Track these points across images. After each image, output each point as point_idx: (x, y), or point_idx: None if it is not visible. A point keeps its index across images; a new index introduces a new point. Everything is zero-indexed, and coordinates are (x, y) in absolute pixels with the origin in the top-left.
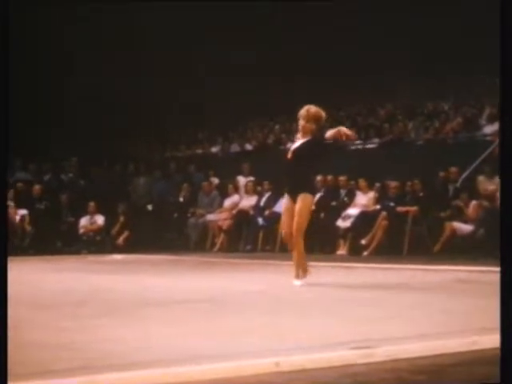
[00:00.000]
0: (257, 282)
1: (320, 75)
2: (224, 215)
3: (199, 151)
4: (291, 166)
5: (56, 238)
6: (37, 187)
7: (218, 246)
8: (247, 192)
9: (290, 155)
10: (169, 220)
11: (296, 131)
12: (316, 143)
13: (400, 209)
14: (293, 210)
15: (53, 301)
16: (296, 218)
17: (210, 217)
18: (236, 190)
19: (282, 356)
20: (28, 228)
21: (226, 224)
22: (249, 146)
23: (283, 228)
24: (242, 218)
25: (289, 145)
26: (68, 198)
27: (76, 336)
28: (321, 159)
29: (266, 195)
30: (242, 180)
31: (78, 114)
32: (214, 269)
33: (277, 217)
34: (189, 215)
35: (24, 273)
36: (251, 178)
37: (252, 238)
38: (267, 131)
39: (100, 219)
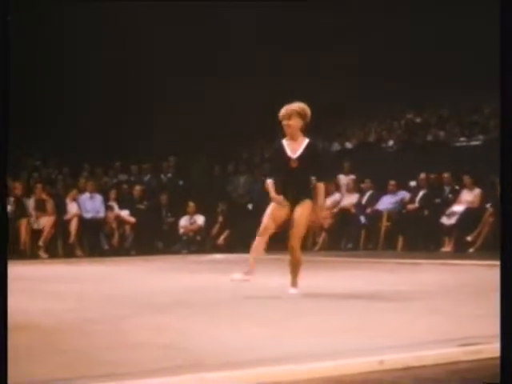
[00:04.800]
0: (358, 280)
1: (420, 74)
2: (325, 214)
3: None
4: (295, 175)
5: (157, 239)
6: (137, 188)
7: (319, 244)
8: (348, 190)
9: (294, 164)
10: None
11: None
12: (315, 146)
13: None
14: (285, 212)
15: (154, 300)
16: (297, 227)
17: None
18: (337, 188)
19: (386, 354)
20: (128, 229)
21: (327, 222)
22: (349, 145)
23: (267, 223)
24: (343, 217)
25: (288, 153)
26: (168, 198)
27: (177, 335)
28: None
29: (368, 193)
30: (342, 178)
31: (177, 114)
32: (315, 267)
33: (379, 215)
34: None
35: (126, 273)
36: (352, 177)
37: (354, 237)
38: (367, 129)
39: (200, 219)
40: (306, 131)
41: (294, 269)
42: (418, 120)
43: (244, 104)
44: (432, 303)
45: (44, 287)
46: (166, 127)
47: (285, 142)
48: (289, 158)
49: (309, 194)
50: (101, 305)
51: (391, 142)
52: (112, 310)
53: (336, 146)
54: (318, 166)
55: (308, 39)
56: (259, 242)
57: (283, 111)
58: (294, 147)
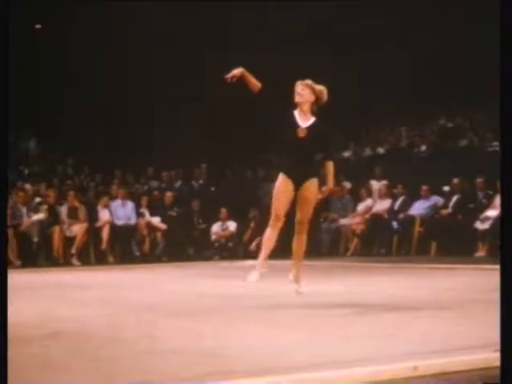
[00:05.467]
0: (391, 286)
1: (453, 78)
2: (357, 219)
3: None
4: (302, 146)
5: (188, 245)
6: (169, 194)
7: (351, 250)
8: (381, 196)
9: (302, 133)
10: None
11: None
12: (324, 123)
13: None
14: (292, 194)
15: (185, 307)
16: (308, 208)
17: (344, 221)
18: (369, 193)
19: (419, 360)
20: (160, 235)
21: (359, 228)
22: (381, 150)
23: (278, 209)
24: (375, 222)
25: (298, 121)
26: (199, 204)
27: (209, 342)
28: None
29: (401, 199)
30: (374, 184)
31: (209, 121)
32: (348, 273)
33: (412, 220)
34: (321, 220)
35: (157, 280)
36: (384, 182)
37: (386, 242)
38: (399, 134)
39: (232, 225)
40: (318, 114)
41: (298, 261)
42: (451, 125)
43: (274, 109)
44: (466, 308)
45: (76, 294)
46: (197, 134)
47: (296, 113)
48: (297, 126)
49: (314, 171)
50: (132, 311)
51: (423, 147)
52: (143, 316)
53: (368, 152)
54: (326, 143)
55: (344, 42)
56: (270, 234)
57: (298, 83)
58: (304, 119)
